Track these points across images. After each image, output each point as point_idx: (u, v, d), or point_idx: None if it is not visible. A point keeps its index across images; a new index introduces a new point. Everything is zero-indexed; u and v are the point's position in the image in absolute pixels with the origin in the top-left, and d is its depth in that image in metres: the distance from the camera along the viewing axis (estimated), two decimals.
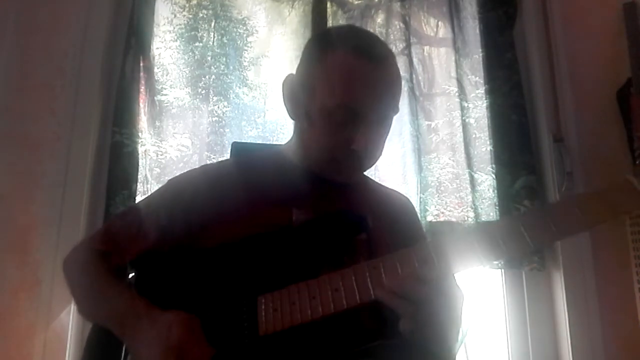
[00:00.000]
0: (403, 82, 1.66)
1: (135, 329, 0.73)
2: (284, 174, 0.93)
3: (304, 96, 0.87)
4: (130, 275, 0.88)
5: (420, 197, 1.59)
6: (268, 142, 1.66)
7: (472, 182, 1.63)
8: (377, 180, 1.55)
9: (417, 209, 1.55)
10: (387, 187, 1.08)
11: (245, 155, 1.07)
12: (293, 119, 0.93)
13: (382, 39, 1.70)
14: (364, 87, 0.80)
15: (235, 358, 0.71)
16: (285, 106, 0.93)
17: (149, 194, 1.01)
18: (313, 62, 0.87)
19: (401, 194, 1.10)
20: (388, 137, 0.92)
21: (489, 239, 0.71)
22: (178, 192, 0.92)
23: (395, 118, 0.90)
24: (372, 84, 0.80)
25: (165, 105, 1.63)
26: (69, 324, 1.40)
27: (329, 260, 0.78)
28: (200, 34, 1.72)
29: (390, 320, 0.68)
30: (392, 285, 0.69)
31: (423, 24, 1.82)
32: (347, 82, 0.80)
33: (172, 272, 0.83)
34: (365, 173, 1.10)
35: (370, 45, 0.83)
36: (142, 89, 1.58)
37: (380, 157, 0.92)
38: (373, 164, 0.92)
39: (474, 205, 1.61)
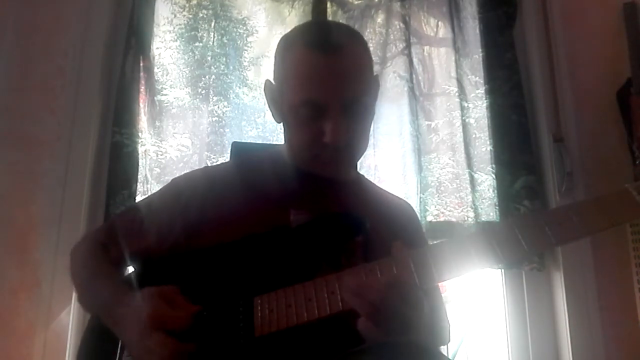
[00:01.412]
0: (403, 82, 1.67)
1: (119, 316, 0.74)
2: (283, 174, 0.93)
3: (279, 98, 0.90)
4: (130, 271, 0.90)
5: (420, 197, 1.59)
6: (268, 142, 1.66)
7: (472, 182, 1.63)
8: (377, 179, 1.57)
9: (417, 209, 1.55)
10: (388, 192, 1.08)
11: (245, 156, 1.08)
12: (277, 122, 0.95)
13: (382, 39, 1.73)
14: (320, 79, 0.81)
15: (231, 358, 0.71)
16: (270, 110, 0.96)
17: (152, 193, 1.02)
18: (278, 64, 0.90)
19: (402, 199, 1.09)
20: (369, 124, 0.90)
21: (484, 244, 0.71)
22: (178, 192, 0.93)
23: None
24: (328, 75, 0.80)
25: (165, 105, 1.63)
26: (69, 324, 1.40)
27: (326, 262, 0.79)
28: (200, 34, 1.71)
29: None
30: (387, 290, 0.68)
31: (423, 24, 1.82)
32: (304, 77, 0.82)
33: (170, 272, 0.83)
34: (365, 175, 1.10)
35: (324, 36, 0.84)
36: (142, 89, 1.59)
37: (366, 147, 0.92)
38: (359, 154, 0.92)
39: (474, 205, 1.60)
